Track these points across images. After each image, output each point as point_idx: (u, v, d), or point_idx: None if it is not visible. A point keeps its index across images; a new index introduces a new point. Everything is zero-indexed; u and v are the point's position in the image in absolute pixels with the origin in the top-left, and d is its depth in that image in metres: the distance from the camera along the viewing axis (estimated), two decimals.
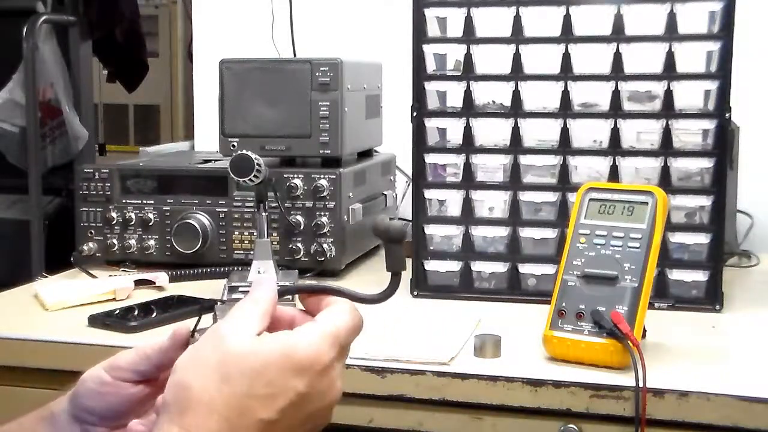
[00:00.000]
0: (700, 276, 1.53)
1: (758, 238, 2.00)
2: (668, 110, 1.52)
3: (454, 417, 1.23)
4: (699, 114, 1.52)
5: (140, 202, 1.81)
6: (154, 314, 1.49)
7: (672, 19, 1.51)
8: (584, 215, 1.32)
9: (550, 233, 1.58)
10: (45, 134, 2.78)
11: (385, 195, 1.99)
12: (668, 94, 1.52)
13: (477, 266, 1.61)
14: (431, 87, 1.61)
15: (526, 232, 1.59)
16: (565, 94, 1.55)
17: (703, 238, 1.53)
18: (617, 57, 1.53)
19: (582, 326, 1.24)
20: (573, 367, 1.24)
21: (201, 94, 2.47)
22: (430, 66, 1.61)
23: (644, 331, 1.28)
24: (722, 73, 1.49)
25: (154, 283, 1.66)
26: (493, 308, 1.54)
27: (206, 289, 1.60)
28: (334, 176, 1.72)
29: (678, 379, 1.18)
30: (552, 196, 1.58)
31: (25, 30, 2.64)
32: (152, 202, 1.81)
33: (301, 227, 1.72)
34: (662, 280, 1.53)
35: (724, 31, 1.49)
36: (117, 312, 1.48)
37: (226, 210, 1.78)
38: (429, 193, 1.63)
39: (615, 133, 1.54)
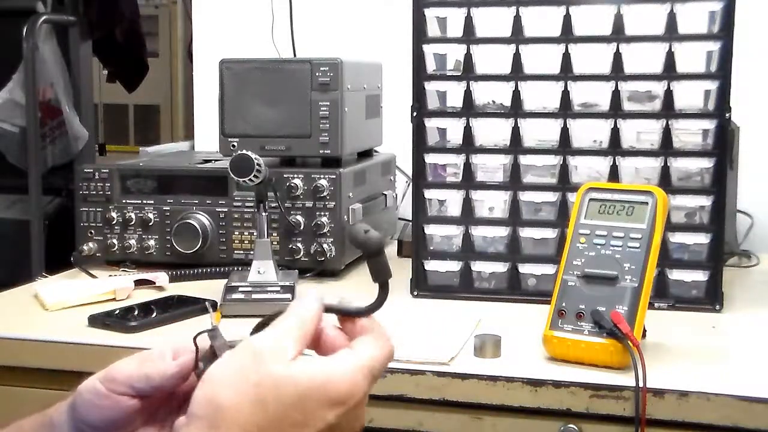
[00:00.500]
0: (700, 276, 1.53)
1: (758, 238, 2.00)
2: (668, 110, 1.52)
3: (454, 417, 1.23)
4: (699, 114, 1.52)
5: (140, 202, 1.81)
6: (154, 314, 1.49)
7: (672, 19, 1.51)
8: (584, 215, 1.32)
9: (550, 233, 1.58)
10: (45, 134, 2.78)
11: (385, 195, 1.99)
12: (668, 94, 1.52)
13: (477, 266, 1.61)
14: (431, 87, 1.61)
15: (526, 232, 1.59)
16: (565, 94, 1.55)
17: (703, 238, 1.53)
18: (617, 57, 1.53)
19: (582, 326, 1.24)
20: (573, 367, 1.24)
21: (201, 94, 2.47)
22: (430, 66, 1.61)
23: (644, 331, 1.28)
24: (722, 73, 1.49)
25: (154, 283, 1.66)
26: (493, 308, 1.54)
27: (206, 289, 1.60)
28: (334, 176, 1.72)
29: (678, 379, 1.18)
30: (552, 196, 1.58)
31: (25, 30, 2.64)
32: (152, 202, 1.81)
33: (301, 227, 1.72)
34: (662, 280, 1.53)
35: (724, 31, 1.49)
36: (117, 312, 1.48)
37: (226, 210, 1.78)
38: (429, 193, 1.63)
39: (615, 133, 1.54)
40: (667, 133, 1.53)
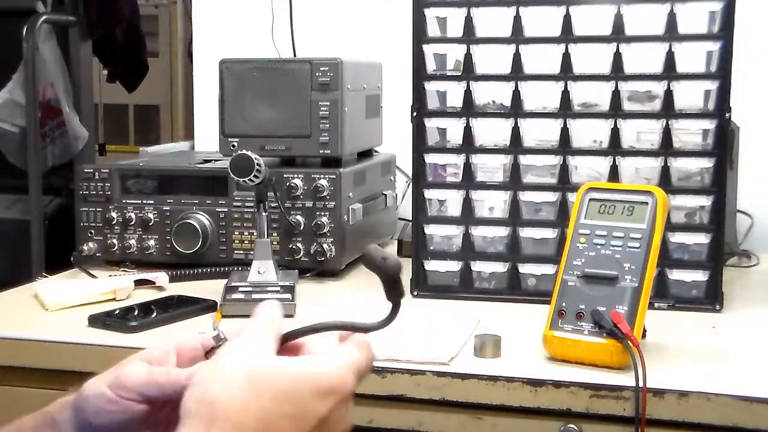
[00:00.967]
0: (700, 276, 1.53)
1: (758, 238, 2.00)
2: (668, 110, 1.52)
3: (454, 417, 1.23)
4: (699, 114, 1.52)
5: (140, 202, 1.81)
6: (154, 314, 1.49)
7: (672, 19, 1.51)
8: (584, 215, 1.32)
9: (550, 233, 1.58)
10: (45, 134, 2.77)
11: (385, 195, 1.99)
12: (668, 94, 1.52)
13: (477, 266, 1.61)
14: (431, 87, 1.61)
15: (526, 232, 1.59)
16: (565, 94, 1.55)
17: (703, 238, 1.53)
18: (617, 57, 1.53)
19: (582, 326, 1.24)
20: (573, 367, 1.24)
21: (201, 94, 2.47)
22: (430, 66, 1.61)
23: (644, 331, 1.28)
24: (722, 73, 1.49)
25: (154, 283, 1.66)
26: (493, 308, 1.54)
27: (206, 289, 1.60)
28: (334, 176, 1.72)
29: (678, 379, 1.18)
30: (552, 196, 1.58)
31: (25, 30, 2.64)
32: (152, 202, 1.81)
33: (301, 227, 1.72)
34: (662, 280, 1.53)
35: (724, 31, 1.49)
36: (117, 312, 1.48)
37: (226, 210, 1.78)
38: (429, 193, 1.63)
39: (615, 133, 1.54)
40: (667, 133, 1.53)
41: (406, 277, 1.62)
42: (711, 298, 1.52)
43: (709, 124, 1.51)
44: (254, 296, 1.51)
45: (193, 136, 2.51)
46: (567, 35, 1.55)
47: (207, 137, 2.35)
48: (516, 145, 1.58)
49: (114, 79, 3.37)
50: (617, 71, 1.53)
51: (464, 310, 1.53)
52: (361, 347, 0.78)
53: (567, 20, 1.54)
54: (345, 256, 1.76)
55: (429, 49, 1.60)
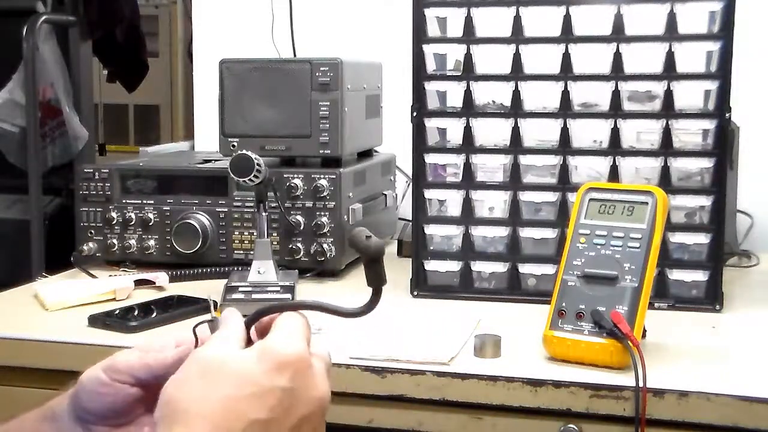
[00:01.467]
0: (700, 276, 1.53)
1: (758, 238, 2.00)
2: (668, 110, 1.52)
3: (454, 417, 1.23)
4: (699, 114, 1.52)
5: (140, 202, 1.81)
6: (154, 314, 1.49)
7: (672, 19, 1.51)
8: (584, 215, 1.32)
9: (550, 233, 1.58)
10: (45, 134, 2.77)
11: (385, 195, 1.99)
12: (668, 94, 1.52)
13: (477, 266, 1.61)
14: (431, 87, 1.61)
15: (526, 232, 1.59)
16: (565, 94, 1.55)
17: (703, 238, 1.53)
18: (617, 57, 1.53)
19: (582, 326, 1.24)
20: (573, 367, 1.24)
21: (201, 94, 2.47)
22: (430, 66, 1.61)
23: (644, 331, 1.28)
24: (722, 73, 1.49)
25: (154, 283, 1.66)
26: (493, 308, 1.54)
27: (206, 289, 1.60)
28: (334, 176, 1.72)
29: (678, 379, 1.18)
30: (552, 196, 1.58)
31: (25, 30, 2.64)
32: (152, 202, 1.81)
33: (301, 227, 1.72)
34: (662, 280, 1.53)
35: (724, 31, 1.49)
36: (117, 312, 1.48)
37: (226, 210, 1.78)
38: (429, 193, 1.63)
39: (615, 133, 1.54)
40: (667, 133, 1.53)
41: (406, 277, 1.63)
42: (711, 298, 1.52)
43: (709, 124, 1.51)
44: (254, 296, 1.51)
45: (193, 136, 2.51)
46: (567, 35, 1.55)
47: (207, 137, 2.35)
48: (516, 145, 1.58)
49: (114, 79, 3.37)
50: (617, 71, 1.53)
51: (464, 310, 1.53)
52: (291, 316, 0.79)
53: (567, 20, 1.54)
54: (345, 256, 1.76)
55: (429, 49, 1.60)
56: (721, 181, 1.52)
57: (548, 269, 1.57)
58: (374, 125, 1.99)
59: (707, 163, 1.52)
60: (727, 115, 1.50)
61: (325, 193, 1.72)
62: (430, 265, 1.63)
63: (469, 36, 1.59)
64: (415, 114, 1.61)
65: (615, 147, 1.55)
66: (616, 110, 1.54)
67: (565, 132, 1.56)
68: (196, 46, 2.51)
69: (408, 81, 1.62)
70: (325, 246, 1.72)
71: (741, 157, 1.86)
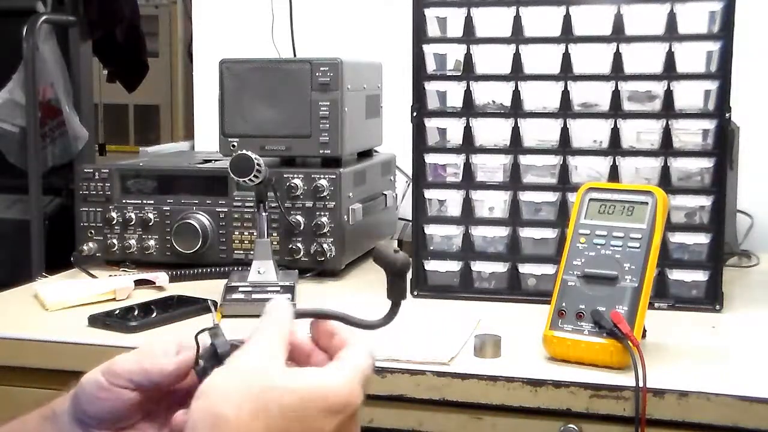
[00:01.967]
0: (700, 276, 1.53)
1: (758, 238, 2.00)
2: (668, 110, 1.52)
3: (454, 417, 1.23)
4: (699, 114, 1.52)
5: (140, 202, 1.81)
6: (154, 314, 1.49)
7: (672, 19, 1.51)
8: (584, 215, 1.32)
9: (550, 233, 1.58)
10: (45, 134, 2.77)
11: (385, 195, 1.99)
12: (668, 94, 1.52)
13: (477, 266, 1.61)
14: (431, 87, 1.61)
15: (526, 232, 1.59)
16: (565, 94, 1.55)
17: (703, 238, 1.53)
18: (617, 57, 1.53)
19: (582, 326, 1.24)
20: (573, 367, 1.24)
21: (201, 94, 2.47)
22: (430, 66, 1.61)
23: (644, 331, 1.28)
24: (722, 73, 1.49)
25: (154, 283, 1.66)
26: (493, 308, 1.54)
27: (206, 289, 1.60)
28: (334, 176, 1.72)
29: (678, 379, 1.18)
30: (552, 196, 1.58)
31: (25, 30, 2.64)
32: (152, 202, 1.81)
33: (301, 227, 1.72)
34: (662, 280, 1.53)
35: (724, 31, 1.49)
36: (117, 312, 1.48)
37: (226, 210, 1.78)
38: (429, 193, 1.63)
39: (615, 133, 1.54)
40: (667, 133, 1.53)
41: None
42: (711, 298, 1.52)
43: (709, 124, 1.51)
44: (254, 296, 1.51)
45: (193, 136, 2.51)
46: (567, 35, 1.55)
47: (207, 137, 2.35)
48: (516, 145, 1.58)
49: (114, 79, 3.37)
50: (617, 71, 1.53)
51: (464, 310, 1.53)
52: (363, 355, 0.77)
53: (567, 20, 1.54)
54: (345, 256, 1.76)
55: (429, 49, 1.60)
56: (721, 181, 1.52)
57: (548, 269, 1.57)
58: (374, 125, 1.99)
59: (707, 163, 1.52)
60: (727, 115, 1.50)
61: (325, 193, 1.72)
62: (430, 265, 1.63)
63: (469, 36, 1.59)
64: (415, 114, 1.61)
65: (615, 147, 1.55)
66: (616, 110, 1.54)
67: (565, 132, 1.56)
68: (196, 46, 2.51)
69: (408, 81, 1.62)
70: (325, 246, 1.72)
71: (741, 157, 1.86)
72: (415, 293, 1.62)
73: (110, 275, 1.73)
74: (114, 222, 1.81)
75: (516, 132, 1.58)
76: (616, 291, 1.25)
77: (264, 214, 1.58)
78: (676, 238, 1.54)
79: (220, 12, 2.44)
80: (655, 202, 1.29)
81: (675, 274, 1.54)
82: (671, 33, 1.51)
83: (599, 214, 1.32)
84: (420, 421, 1.24)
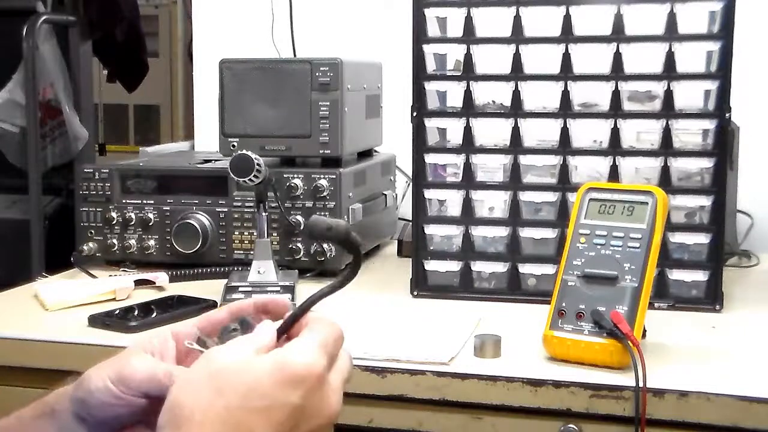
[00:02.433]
0: (700, 276, 1.53)
1: (758, 238, 2.00)
2: (668, 110, 1.52)
3: (454, 417, 1.23)
4: (699, 114, 1.52)
5: (140, 202, 1.81)
6: (154, 314, 1.49)
7: (672, 19, 1.51)
8: (584, 215, 1.32)
9: (550, 233, 1.58)
10: (45, 134, 2.78)
11: (385, 195, 1.99)
12: (668, 94, 1.52)
13: (477, 266, 1.61)
14: (431, 87, 1.61)
15: (526, 232, 1.59)
16: (565, 94, 1.55)
17: (703, 238, 1.53)
18: (617, 57, 1.53)
19: (582, 326, 1.24)
20: (573, 367, 1.24)
21: (201, 94, 2.47)
22: (430, 66, 1.61)
23: (644, 331, 1.28)
24: (722, 73, 1.49)
25: (154, 283, 1.66)
26: (493, 308, 1.54)
27: (206, 289, 1.60)
28: (334, 176, 1.72)
29: (678, 379, 1.18)
30: (552, 196, 1.58)
31: (25, 30, 2.64)
32: (152, 202, 1.81)
33: (301, 227, 1.72)
34: (662, 280, 1.53)
35: (724, 31, 1.49)
36: (117, 312, 1.48)
37: (226, 210, 1.78)
38: (429, 193, 1.63)
39: (615, 133, 1.54)
40: (667, 133, 1.53)
41: (406, 277, 1.63)
42: (711, 298, 1.52)
43: (709, 124, 1.51)
44: (254, 296, 1.50)
45: (193, 136, 2.51)
46: (567, 35, 1.55)
47: (207, 137, 2.35)
48: (516, 145, 1.58)
49: (114, 79, 3.37)
50: (617, 71, 1.53)
51: (464, 310, 1.53)
52: (327, 323, 0.77)
53: (567, 20, 1.54)
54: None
55: (429, 49, 1.60)
56: (721, 181, 1.52)
57: (548, 269, 1.57)
58: (374, 125, 1.99)
59: (707, 163, 1.52)
60: (727, 115, 1.50)
61: (325, 193, 1.72)
62: (430, 265, 1.63)
63: (469, 36, 1.59)
64: (415, 114, 1.61)
65: (615, 147, 1.55)
66: (616, 110, 1.54)
67: (565, 132, 1.56)
68: (196, 46, 2.51)
69: (408, 81, 1.62)
70: (325, 246, 1.72)
71: (741, 157, 1.86)
72: (415, 293, 1.62)
73: (110, 275, 1.73)
74: (114, 222, 1.81)
75: (516, 132, 1.58)
76: (616, 291, 1.25)
77: (264, 214, 1.58)
78: (676, 238, 1.54)
79: (220, 12, 2.44)
80: (655, 202, 1.29)
81: (675, 274, 1.54)
82: (671, 33, 1.51)
83: (599, 214, 1.32)
84: (420, 421, 1.24)
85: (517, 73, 1.57)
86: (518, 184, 1.59)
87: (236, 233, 1.77)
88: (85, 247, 1.80)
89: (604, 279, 1.26)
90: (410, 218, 1.67)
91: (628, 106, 1.54)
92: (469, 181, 1.61)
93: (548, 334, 1.26)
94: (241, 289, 1.53)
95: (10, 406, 1.11)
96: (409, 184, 2.07)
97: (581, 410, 1.18)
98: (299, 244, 1.73)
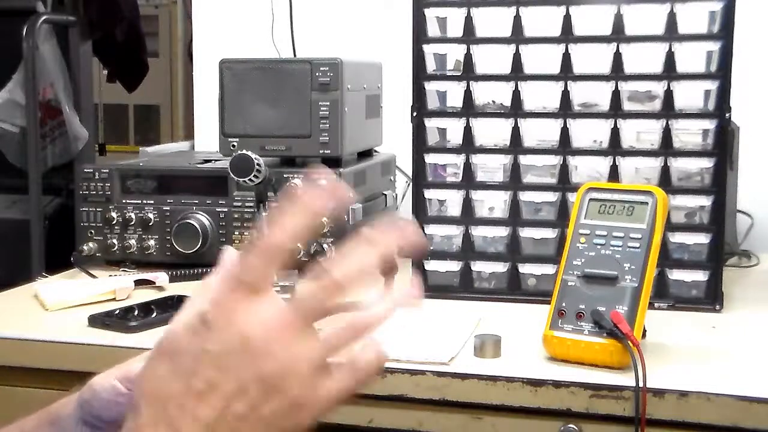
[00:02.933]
0: (700, 276, 1.53)
1: (758, 238, 2.00)
2: (668, 110, 1.52)
3: (454, 417, 1.23)
4: (699, 114, 1.52)
5: (140, 202, 1.81)
6: (154, 314, 1.49)
7: (672, 19, 1.51)
8: (584, 215, 1.32)
9: (550, 233, 1.58)
10: (45, 134, 2.78)
11: (385, 195, 1.99)
12: (668, 94, 1.52)
13: (477, 266, 1.61)
14: (431, 87, 1.61)
15: (526, 232, 1.59)
16: (565, 94, 1.55)
17: (703, 238, 1.53)
18: (617, 57, 1.53)
19: (582, 326, 1.24)
20: (573, 367, 1.24)
21: (201, 94, 2.47)
22: (430, 66, 1.61)
23: (644, 331, 1.28)
24: (722, 73, 1.49)
25: (154, 283, 1.66)
26: (493, 308, 1.54)
27: None
28: (334, 176, 1.72)
29: (678, 379, 1.18)
30: (552, 196, 1.58)
31: (25, 30, 2.64)
32: (152, 202, 1.81)
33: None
34: (662, 280, 1.53)
35: (724, 31, 1.49)
36: (117, 312, 1.48)
37: (226, 210, 1.78)
38: (429, 193, 1.63)
39: (615, 133, 1.54)
40: (667, 133, 1.53)
41: (406, 276, 1.62)
42: (711, 298, 1.52)
43: (709, 124, 1.51)
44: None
45: (193, 136, 2.51)
46: (567, 35, 1.55)
47: (207, 137, 2.35)
48: (516, 145, 1.58)
49: (114, 79, 3.37)
50: (617, 71, 1.53)
51: (464, 310, 1.53)
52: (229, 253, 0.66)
53: (567, 20, 1.54)
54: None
55: (429, 49, 1.60)
56: (721, 181, 1.52)
57: (548, 269, 1.57)
58: (374, 125, 1.99)
59: (707, 163, 1.52)
60: (727, 115, 1.50)
61: None
62: (430, 265, 1.63)
63: (469, 36, 1.59)
64: (415, 114, 1.61)
65: (615, 147, 1.55)
66: (616, 110, 1.54)
67: (565, 132, 1.56)
68: (196, 46, 2.51)
69: (408, 81, 1.62)
70: (325, 246, 1.72)
71: (741, 157, 1.86)
72: None
73: (110, 275, 1.73)
74: (114, 222, 1.81)
75: (516, 132, 1.58)
76: (616, 291, 1.25)
77: (264, 214, 1.58)
78: (676, 238, 1.54)
79: (220, 12, 2.44)
80: (655, 202, 1.29)
81: (675, 274, 1.54)
82: (671, 33, 1.51)
83: (599, 214, 1.32)
84: (420, 421, 1.24)
85: (517, 73, 1.57)
86: (518, 184, 1.59)
87: (236, 233, 1.77)
88: (85, 247, 1.80)
89: (604, 279, 1.26)
90: (410, 218, 1.67)
91: (628, 106, 1.54)
92: (469, 181, 1.61)
93: (548, 334, 1.26)
94: None
95: (10, 406, 1.11)
96: (409, 184, 2.07)
97: (581, 410, 1.18)
98: (299, 244, 1.73)
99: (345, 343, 0.65)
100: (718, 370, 1.23)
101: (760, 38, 2.00)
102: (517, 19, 1.56)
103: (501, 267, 1.60)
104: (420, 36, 1.60)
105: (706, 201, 1.52)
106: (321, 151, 1.75)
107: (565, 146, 1.57)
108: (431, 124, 1.62)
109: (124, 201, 1.82)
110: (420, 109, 1.61)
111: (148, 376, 0.62)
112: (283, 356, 0.60)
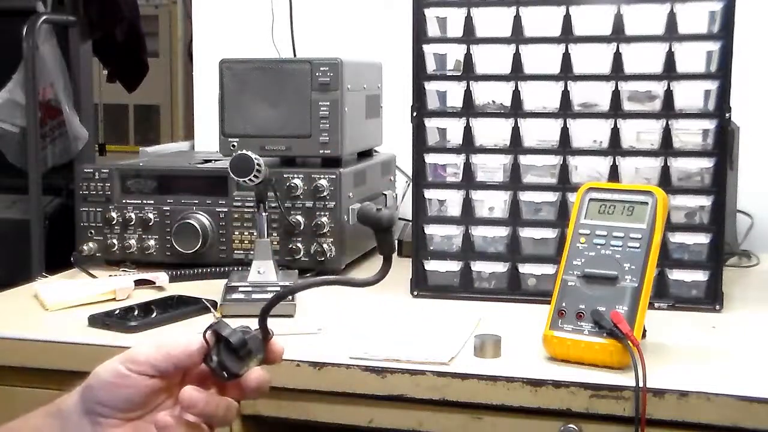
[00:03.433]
0: (700, 276, 1.53)
1: (758, 238, 2.00)
2: (668, 110, 1.52)
3: (454, 417, 1.23)
4: (699, 114, 1.52)
5: (140, 202, 1.81)
6: (154, 314, 1.49)
7: (672, 19, 1.51)
8: (584, 215, 1.32)
9: (550, 233, 1.58)
10: (45, 134, 2.78)
11: (385, 195, 1.99)
12: (668, 94, 1.52)
13: (477, 266, 1.61)
14: (431, 87, 1.61)
15: (526, 232, 1.59)
16: (565, 94, 1.55)
17: (703, 238, 1.53)
18: (617, 57, 1.53)
19: (582, 326, 1.24)
20: (573, 367, 1.24)
21: (201, 94, 2.47)
22: (430, 66, 1.61)
23: (644, 331, 1.28)
24: (722, 73, 1.49)
25: (154, 283, 1.66)
26: (493, 308, 1.54)
27: (206, 289, 1.60)
28: (334, 176, 1.72)
29: (678, 379, 1.18)
30: (552, 196, 1.58)
31: (25, 30, 2.64)
32: (152, 202, 1.81)
33: (301, 227, 1.72)
34: (662, 280, 1.53)
35: (724, 31, 1.49)
36: (117, 312, 1.48)
37: (226, 210, 1.78)
38: (429, 193, 1.63)
39: (615, 133, 1.54)
40: (667, 133, 1.53)
41: (406, 276, 1.63)
42: (711, 298, 1.52)
43: (709, 124, 1.51)
44: (254, 296, 1.51)
45: (193, 136, 2.51)
46: (567, 35, 1.55)
47: (207, 137, 2.35)
48: (516, 145, 1.58)
49: (114, 79, 3.37)
50: (617, 71, 1.53)
51: (464, 310, 1.53)
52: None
53: (567, 20, 1.54)
54: (345, 256, 1.76)
55: (429, 49, 1.60)
56: (721, 181, 1.52)
57: (548, 269, 1.57)
58: (374, 125, 1.99)
59: (707, 163, 1.52)
60: (727, 115, 1.50)
61: (325, 193, 1.72)
62: (430, 265, 1.63)
63: (469, 36, 1.59)
64: (415, 114, 1.61)
65: (615, 147, 1.55)
66: (616, 110, 1.54)
67: (565, 132, 1.56)
68: (196, 46, 2.51)
69: (408, 81, 1.62)
70: (325, 246, 1.72)
71: (741, 157, 1.86)
72: (415, 293, 1.62)
73: (110, 275, 1.73)
74: (114, 222, 1.81)
75: (516, 132, 1.58)
76: (616, 291, 1.25)
77: (264, 214, 1.58)
78: (676, 238, 1.54)
79: (220, 12, 2.44)
80: (655, 202, 1.29)
81: (675, 274, 1.54)
82: (671, 33, 1.51)
83: (599, 214, 1.32)
84: (420, 421, 1.24)
85: (517, 73, 1.57)
86: (518, 184, 1.59)
87: (236, 233, 1.77)
88: (85, 247, 1.80)
89: (604, 279, 1.26)
90: (410, 218, 1.67)
91: (628, 106, 1.54)
92: (469, 181, 1.61)
93: (548, 334, 1.26)
94: (241, 289, 1.53)
95: (10, 406, 1.11)
96: (409, 184, 2.07)
97: (581, 410, 1.18)
98: (299, 244, 1.73)
99: None
100: (718, 370, 1.23)
101: (760, 38, 2.00)
102: (517, 19, 1.56)
103: (501, 267, 1.60)
104: (420, 36, 1.60)
105: (706, 201, 1.52)
106: (321, 151, 1.75)
107: (565, 146, 1.57)
108: (431, 124, 1.62)
109: (124, 201, 1.82)
110: (420, 109, 1.61)
111: None
112: None
